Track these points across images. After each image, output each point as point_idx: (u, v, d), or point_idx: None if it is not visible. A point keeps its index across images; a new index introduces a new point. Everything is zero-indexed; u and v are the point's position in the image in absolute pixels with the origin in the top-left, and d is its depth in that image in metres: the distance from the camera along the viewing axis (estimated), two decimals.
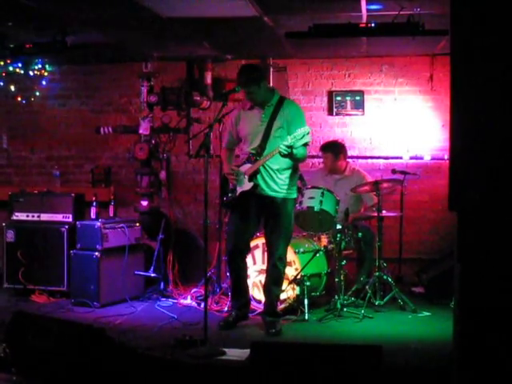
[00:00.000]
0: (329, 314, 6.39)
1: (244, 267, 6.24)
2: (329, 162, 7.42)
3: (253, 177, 5.90)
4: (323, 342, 5.40)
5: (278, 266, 6.04)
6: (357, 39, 7.11)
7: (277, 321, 6.04)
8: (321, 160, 7.83)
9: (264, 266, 6.42)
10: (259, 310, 6.39)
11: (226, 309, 6.61)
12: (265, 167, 5.89)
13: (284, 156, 5.71)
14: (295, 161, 5.93)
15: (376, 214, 6.82)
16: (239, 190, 6.00)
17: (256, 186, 5.90)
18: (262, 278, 6.35)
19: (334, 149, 7.43)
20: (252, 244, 6.47)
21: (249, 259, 6.50)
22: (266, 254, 6.41)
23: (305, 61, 8.47)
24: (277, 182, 5.92)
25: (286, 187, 5.95)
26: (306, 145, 5.83)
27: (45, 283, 7.27)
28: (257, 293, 6.62)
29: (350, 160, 7.73)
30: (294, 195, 6.13)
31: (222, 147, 6.34)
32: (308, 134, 5.64)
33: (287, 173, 5.95)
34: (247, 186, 5.94)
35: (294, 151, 5.67)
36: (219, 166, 6.80)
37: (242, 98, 6.58)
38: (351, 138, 8.37)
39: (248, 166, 5.95)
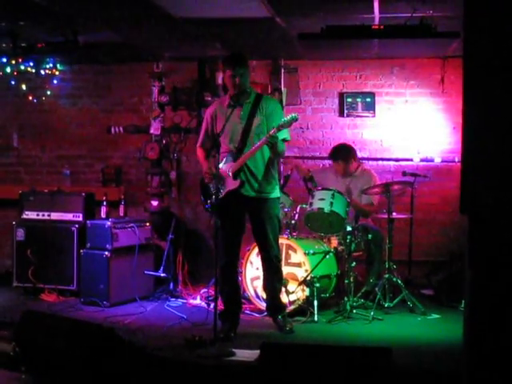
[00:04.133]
0: (338, 316, 6.38)
1: (237, 279, 6.16)
2: (341, 168, 7.34)
3: (237, 174, 5.73)
4: (332, 344, 5.40)
5: (277, 264, 6.03)
6: (369, 41, 7.10)
7: (286, 317, 6.05)
8: (331, 162, 7.66)
9: None
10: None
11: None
12: (246, 167, 5.73)
13: (270, 145, 5.58)
14: (275, 155, 5.81)
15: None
16: (225, 189, 5.78)
17: (243, 182, 5.72)
18: None
19: (344, 155, 7.34)
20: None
21: (258, 261, 6.47)
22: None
23: (316, 62, 8.45)
24: (259, 183, 5.77)
25: (269, 187, 5.83)
26: (284, 140, 5.77)
27: (54, 282, 7.27)
28: None
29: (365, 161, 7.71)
30: (278, 194, 6.00)
31: (197, 146, 6.11)
32: (296, 120, 5.53)
33: (268, 172, 5.81)
34: (233, 184, 5.75)
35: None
36: None
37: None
38: (362, 140, 8.36)
39: (230, 163, 5.76)
